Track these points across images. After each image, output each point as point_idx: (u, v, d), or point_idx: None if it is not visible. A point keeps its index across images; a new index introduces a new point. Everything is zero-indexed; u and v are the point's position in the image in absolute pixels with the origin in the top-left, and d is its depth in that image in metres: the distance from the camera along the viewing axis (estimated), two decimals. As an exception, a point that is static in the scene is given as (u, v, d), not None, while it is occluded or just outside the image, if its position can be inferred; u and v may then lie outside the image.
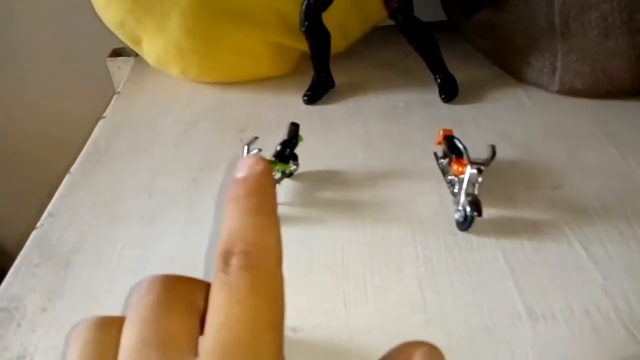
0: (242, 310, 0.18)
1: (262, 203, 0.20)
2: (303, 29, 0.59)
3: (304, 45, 0.62)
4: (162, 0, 0.59)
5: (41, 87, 0.91)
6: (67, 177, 0.55)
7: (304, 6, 0.58)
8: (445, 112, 0.59)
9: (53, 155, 0.89)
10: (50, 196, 0.53)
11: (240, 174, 0.20)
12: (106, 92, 0.76)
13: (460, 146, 0.44)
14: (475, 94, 0.61)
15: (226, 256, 0.19)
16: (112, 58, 0.77)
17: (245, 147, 0.45)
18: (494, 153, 0.43)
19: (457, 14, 0.67)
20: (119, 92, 0.69)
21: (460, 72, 0.63)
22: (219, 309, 0.18)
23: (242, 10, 0.60)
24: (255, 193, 0.20)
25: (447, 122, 0.57)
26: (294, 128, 0.50)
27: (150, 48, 0.64)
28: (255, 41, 0.63)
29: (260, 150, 0.44)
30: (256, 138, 0.46)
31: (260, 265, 0.19)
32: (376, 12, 0.65)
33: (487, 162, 0.43)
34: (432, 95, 0.61)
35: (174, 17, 0.60)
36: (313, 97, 0.63)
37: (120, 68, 0.78)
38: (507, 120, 0.57)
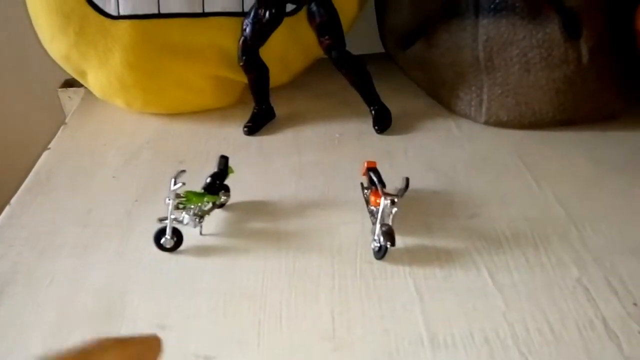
0: None
1: None
2: (241, 64, 0.61)
3: (245, 78, 0.64)
4: (105, 35, 0.61)
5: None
6: (6, 208, 0.56)
7: (240, 42, 0.60)
8: (378, 143, 0.62)
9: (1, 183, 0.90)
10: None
11: None
12: (58, 122, 0.78)
13: (375, 179, 0.46)
14: (408, 125, 0.64)
15: None
16: (64, 89, 0.79)
17: (172, 180, 0.47)
18: (407, 185, 0.45)
19: (393, 47, 0.70)
20: (66, 124, 0.71)
21: (395, 103, 0.65)
22: None
23: (183, 45, 0.62)
24: None
25: (379, 152, 0.60)
26: (224, 161, 0.51)
27: (95, 81, 0.66)
28: (197, 75, 0.65)
29: (183, 184, 0.46)
30: (183, 171, 0.48)
31: None
32: (317, 46, 0.67)
33: (400, 194, 0.45)
34: (368, 125, 0.64)
35: (117, 52, 0.62)
36: (253, 128, 0.65)
37: (71, 98, 0.79)
38: (435, 150, 0.59)
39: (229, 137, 0.65)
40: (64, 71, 0.70)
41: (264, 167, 0.59)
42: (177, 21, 0.62)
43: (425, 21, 0.65)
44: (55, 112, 0.81)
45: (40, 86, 0.86)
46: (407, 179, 0.46)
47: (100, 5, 0.60)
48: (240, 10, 0.63)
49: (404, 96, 0.69)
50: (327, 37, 0.59)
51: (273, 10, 0.59)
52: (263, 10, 0.59)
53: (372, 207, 0.47)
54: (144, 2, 0.60)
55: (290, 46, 0.67)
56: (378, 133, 0.63)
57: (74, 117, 0.72)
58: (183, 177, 0.47)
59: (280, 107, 0.68)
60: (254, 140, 0.64)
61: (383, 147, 0.61)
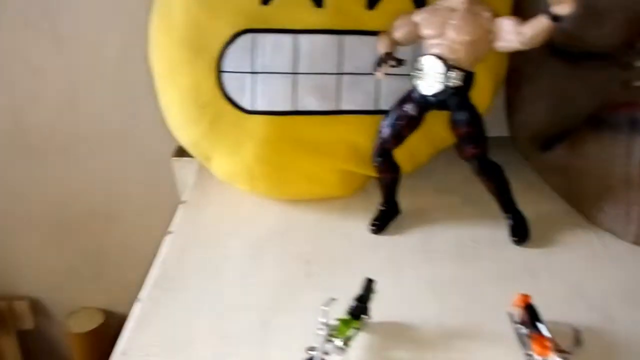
0: None
1: None
2: (375, 165, 0.60)
3: (372, 172, 0.63)
4: (238, 128, 0.61)
5: (102, 174, 0.94)
6: (137, 305, 0.55)
7: (377, 144, 0.59)
8: (516, 256, 0.58)
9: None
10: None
11: None
12: (170, 192, 0.79)
13: (545, 332, 0.43)
14: (545, 236, 0.61)
15: None
16: (177, 158, 0.79)
17: (324, 311, 0.45)
18: (579, 340, 0.43)
19: (525, 144, 0.67)
20: (184, 202, 0.70)
21: (528, 205, 0.62)
22: None
23: (314, 141, 0.62)
24: None
25: (519, 268, 0.57)
26: (370, 284, 0.50)
27: (219, 167, 0.65)
28: (325, 169, 0.64)
29: (338, 320, 0.45)
30: (333, 299, 0.46)
31: None
32: (445, 139, 0.65)
33: (572, 351, 0.42)
34: (502, 232, 0.61)
35: (248, 145, 0.61)
36: (379, 227, 0.63)
37: (184, 167, 0.79)
38: (581, 272, 0.56)
39: (352, 233, 0.63)
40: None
41: (395, 277, 0.56)
42: (311, 118, 0.61)
43: (568, 125, 0.61)
44: (167, 180, 0.81)
45: (152, 154, 0.87)
46: (579, 334, 0.43)
47: (236, 99, 0.60)
48: (374, 108, 0.62)
49: (536, 197, 0.66)
50: (471, 146, 0.56)
51: (413, 114, 0.57)
52: (402, 115, 0.57)
53: (535, 356, 0.44)
54: (279, 99, 0.60)
55: (420, 140, 0.65)
56: (516, 244, 0.60)
57: (192, 195, 0.72)
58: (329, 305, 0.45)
59: (404, 200, 0.65)
60: (380, 240, 0.62)
61: (522, 262, 0.58)
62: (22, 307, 1.08)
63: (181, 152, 0.80)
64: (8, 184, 0.96)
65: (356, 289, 0.50)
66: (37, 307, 1.10)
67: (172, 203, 0.71)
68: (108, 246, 1.03)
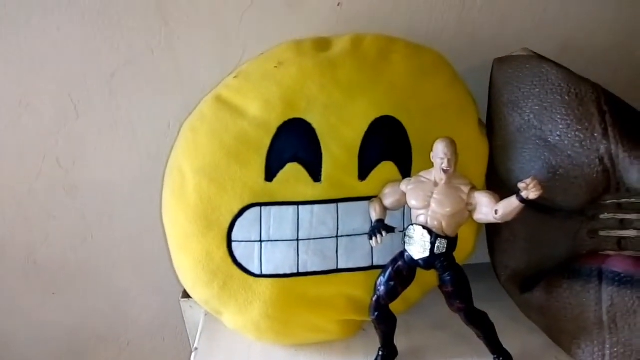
0: None
1: None
2: (373, 318, 0.66)
3: (369, 318, 0.68)
4: (247, 290, 0.67)
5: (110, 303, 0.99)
6: None
7: (374, 300, 0.65)
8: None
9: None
10: None
11: None
12: (178, 331, 0.84)
13: None
14: (532, 372, 0.67)
15: None
16: (185, 299, 0.84)
17: None
18: None
19: (507, 283, 0.73)
20: (197, 349, 0.75)
21: (510, 338, 0.67)
22: None
23: (316, 297, 0.68)
24: None
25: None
26: None
27: (230, 321, 0.71)
28: (326, 320, 0.70)
29: None
30: None
31: None
32: (432, 282, 0.71)
33: None
34: (490, 371, 0.67)
35: (256, 304, 0.67)
36: (380, 371, 0.69)
37: (192, 307, 0.84)
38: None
39: (356, 378, 0.69)
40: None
41: None
42: (313, 278, 0.67)
43: (544, 267, 0.68)
44: (175, 319, 0.87)
45: (161, 294, 0.92)
46: None
47: (245, 265, 0.66)
48: (369, 265, 0.68)
49: (522, 327, 0.73)
50: (458, 302, 0.63)
51: (404, 274, 0.64)
52: (395, 274, 0.64)
53: None
54: (285, 264, 0.66)
55: (411, 286, 0.71)
56: (505, 383, 0.66)
57: (203, 342, 0.77)
58: None
59: (399, 339, 0.71)
60: (381, 383, 0.68)
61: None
62: None
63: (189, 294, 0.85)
64: (22, 312, 1.01)
65: None
66: None
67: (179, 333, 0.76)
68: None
